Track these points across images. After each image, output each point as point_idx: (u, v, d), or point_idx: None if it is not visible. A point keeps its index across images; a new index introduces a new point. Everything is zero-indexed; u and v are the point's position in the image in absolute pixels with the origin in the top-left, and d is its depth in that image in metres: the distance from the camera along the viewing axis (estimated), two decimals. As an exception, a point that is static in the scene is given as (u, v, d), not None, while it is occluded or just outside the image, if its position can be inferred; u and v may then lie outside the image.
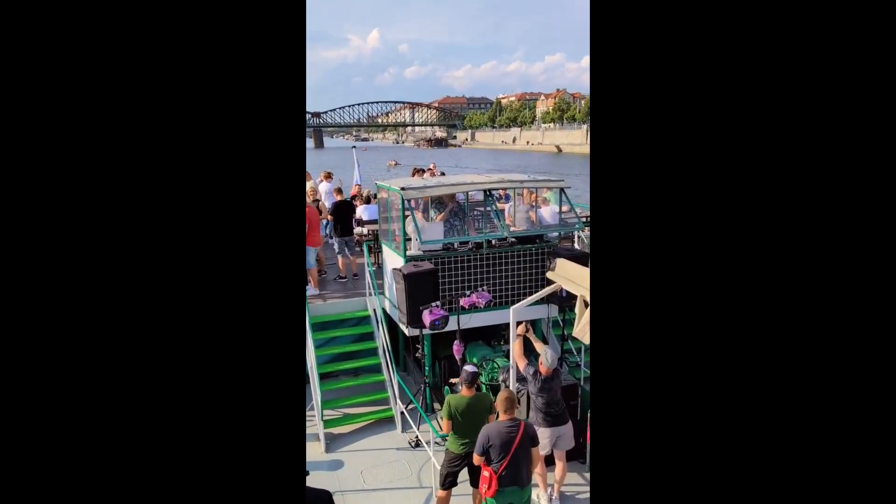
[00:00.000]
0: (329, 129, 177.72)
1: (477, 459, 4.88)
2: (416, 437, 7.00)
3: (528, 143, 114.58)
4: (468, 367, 5.47)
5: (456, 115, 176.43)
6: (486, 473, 4.82)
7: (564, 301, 7.13)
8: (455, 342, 6.90)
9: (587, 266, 6.11)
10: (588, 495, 5.95)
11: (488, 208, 8.02)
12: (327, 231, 11.04)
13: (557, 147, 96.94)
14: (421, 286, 6.73)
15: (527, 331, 6.29)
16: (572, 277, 6.27)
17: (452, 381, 7.40)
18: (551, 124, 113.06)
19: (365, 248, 8.96)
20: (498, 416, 4.99)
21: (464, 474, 5.45)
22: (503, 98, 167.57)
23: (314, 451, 6.85)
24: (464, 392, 5.41)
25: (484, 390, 7.44)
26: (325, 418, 7.26)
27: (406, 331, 7.35)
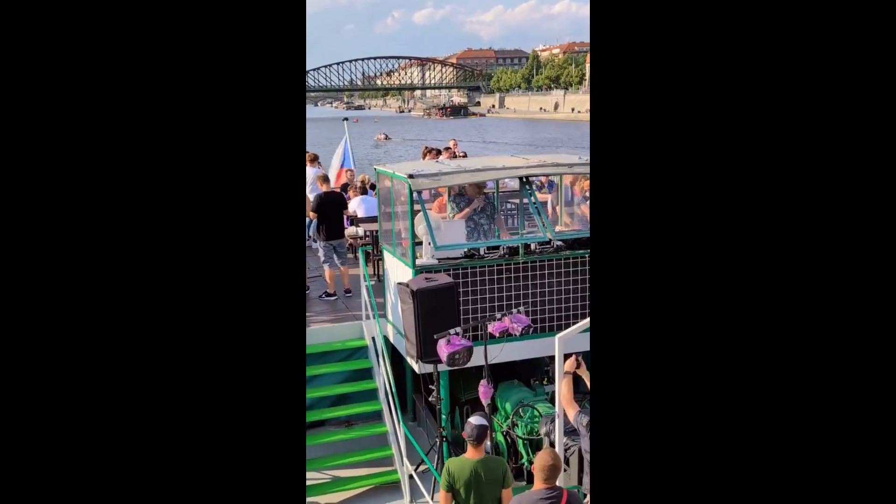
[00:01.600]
0: (313, 94, 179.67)
1: None
2: (431, 509, 6.93)
3: (573, 110, 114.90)
4: (474, 419, 5.41)
5: (480, 75, 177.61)
6: None
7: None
8: (482, 382, 6.82)
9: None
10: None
11: (525, 201, 7.91)
12: (310, 233, 10.95)
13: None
14: (436, 307, 6.69)
15: (578, 367, 6.16)
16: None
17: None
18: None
19: (360, 256, 8.91)
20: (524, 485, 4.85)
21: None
22: (543, 50, 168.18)
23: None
24: (469, 454, 5.35)
25: (521, 447, 7.36)
26: (309, 483, 7.19)
27: (416, 367, 7.35)
